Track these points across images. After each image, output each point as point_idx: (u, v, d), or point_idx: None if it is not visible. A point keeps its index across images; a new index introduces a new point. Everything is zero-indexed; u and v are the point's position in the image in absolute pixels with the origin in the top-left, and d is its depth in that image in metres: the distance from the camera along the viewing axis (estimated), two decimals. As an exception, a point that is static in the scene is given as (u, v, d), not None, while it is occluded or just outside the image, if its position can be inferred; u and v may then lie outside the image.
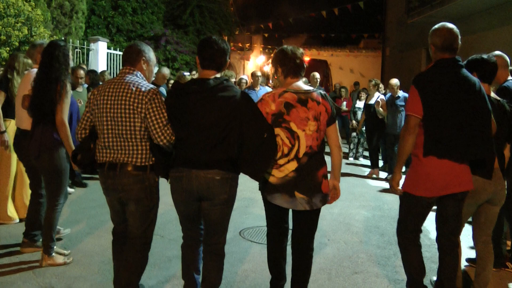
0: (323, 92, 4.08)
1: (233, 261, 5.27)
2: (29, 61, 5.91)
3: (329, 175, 4.12)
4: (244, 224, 6.75)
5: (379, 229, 6.85)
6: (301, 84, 4.04)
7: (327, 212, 7.77)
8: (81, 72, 8.75)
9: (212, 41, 3.85)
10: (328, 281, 5.10)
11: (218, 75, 3.87)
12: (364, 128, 12.37)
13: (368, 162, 12.45)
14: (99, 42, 13.67)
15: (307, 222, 4.13)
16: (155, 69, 4.20)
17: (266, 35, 35.14)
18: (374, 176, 11.09)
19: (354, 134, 13.54)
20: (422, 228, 4.35)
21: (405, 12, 19.10)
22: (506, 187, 4.53)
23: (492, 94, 4.53)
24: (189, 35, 18.98)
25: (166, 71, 10.36)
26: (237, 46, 33.74)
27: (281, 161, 3.92)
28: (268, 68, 42.93)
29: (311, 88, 4.07)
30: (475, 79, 4.08)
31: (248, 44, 37.24)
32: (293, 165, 3.90)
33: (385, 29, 26.58)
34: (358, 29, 28.57)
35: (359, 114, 12.80)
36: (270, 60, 43.99)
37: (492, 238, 4.86)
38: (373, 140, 11.16)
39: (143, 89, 3.78)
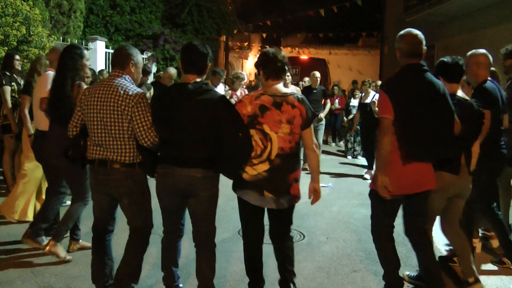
0: (300, 96, 4.23)
1: (232, 260, 5.28)
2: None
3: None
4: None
5: (377, 227, 6.83)
6: (280, 87, 4.20)
7: (326, 211, 7.80)
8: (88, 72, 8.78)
9: (193, 47, 4.12)
10: (327, 279, 5.12)
11: (198, 79, 4.10)
12: (359, 127, 12.36)
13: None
14: (98, 41, 13.66)
15: (280, 219, 4.37)
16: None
17: (264, 35, 35.10)
18: (367, 177, 10.76)
19: (349, 134, 13.56)
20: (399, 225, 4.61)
21: (404, 10, 19.11)
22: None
23: (460, 93, 4.76)
24: (188, 34, 18.94)
25: (172, 71, 10.34)
26: (235, 45, 33.70)
27: (254, 161, 4.10)
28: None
29: (289, 91, 4.23)
30: (439, 82, 4.35)
31: (246, 43, 37.20)
32: (265, 165, 4.08)
33: (383, 28, 26.57)
34: (357, 27, 28.51)
35: (354, 112, 12.78)
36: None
37: (499, 234, 5.47)
38: (369, 140, 11.10)
39: (130, 92, 4.03)
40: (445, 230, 4.96)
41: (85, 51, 5.33)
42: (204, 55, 4.11)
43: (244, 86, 10.99)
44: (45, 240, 5.45)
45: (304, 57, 26.94)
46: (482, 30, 14.14)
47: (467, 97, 4.78)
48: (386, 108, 4.16)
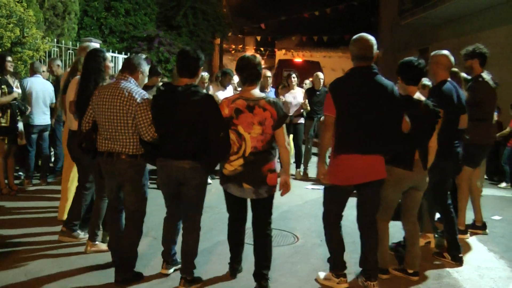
0: (272, 99, 4.63)
1: (225, 262, 5.26)
2: None
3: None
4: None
5: (372, 230, 6.84)
6: (256, 91, 4.66)
7: (320, 213, 7.66)
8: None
9: (186, 53, 4.75)
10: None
11: (190, 82, 4.69)
12: None
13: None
14: (92, 43, 13.60)
15: (261, 208, 4.81)
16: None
17: (258, 38, 35.13)
18: None
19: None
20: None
21: (398, 13, 19.18)
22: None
23: (417, 95, 5.00)
24: (183, 36, 18.95)
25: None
26: (230, 47, 33.73)
27: (232, 158, 4.63)
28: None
29: (262, 95, 4.67)
30: (388, 83, 4.67)
31: (241, 46, 37.23)
32: (240, 161, 4.60)
33: (378, 31, 26.64)
34: (351, 30, 28.61)
35: None
36: (262, 62, 44.19)
37: (447, 230, 5.80)
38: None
39: (134, 94, 4.70)
40: (403, 219, 5.34)
41: (107, 54, 5.80)
42: (196, 60, 4.71)
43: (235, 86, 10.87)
44: (81, 233, 6.01)
45: (298, 59, 26.92)
46: (476, 33, 14.19)
47: (422, 98, 5.03)
48: (329, 107, 4.66)
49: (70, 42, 12.80)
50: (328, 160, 4.89)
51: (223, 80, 10.27)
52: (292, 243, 6.30)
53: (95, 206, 5.74)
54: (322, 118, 10.49)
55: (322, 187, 9.61)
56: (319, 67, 24.67)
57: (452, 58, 5.64)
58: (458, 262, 5.70)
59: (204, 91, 5.86)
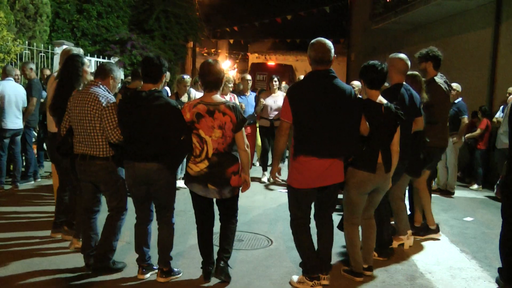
0: (231, 104, 4.84)
1: (200, 265, 5.26)
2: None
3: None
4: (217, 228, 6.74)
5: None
6: (216, 97, 4.87)
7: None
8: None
9: (149, 60, 4.93)
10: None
11: (154, 87, 4.86)
12: None
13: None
14: (64, 46, 13.47)
15: (226, 207, 5.10)
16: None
17: (231, 41, 35.14)
18: None
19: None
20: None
21: (370, 18, 19.34)
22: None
23: (379, 98, 5.08)
24: (155, 40, 18.86)
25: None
26: (203, 51, 33.68)
27: (197, 159, 4.83)
28: (234, 73, 42.98)
29: (222, 100, 4.87)
30: (346, 87, 4.80)
31: (214, 49, 37.21)
32: (205, 163, 4.81)
33: (350, 35, 26.85)
34: (323, 34, 28.73)
35: None
36: (235, 65, 44.20)
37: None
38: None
39: (100, 98, 4.93)
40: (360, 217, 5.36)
41: (85, 59, 6.03)
42: (159, 67, 4.90)
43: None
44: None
45: (271, 63, 27.02)
46: (446, 38, 14.39)
47: (384, 101, 5.08)
48: (285, 113, 4.79)
49: (42, 45, 12.69)
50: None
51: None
52: (266, 247, 6.32)
53: (74, 206, 5.98)
54: None
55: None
56: (292, 71, 24.87)
57: (408, 62, 5.74)
58: (385, 255, 5.94)
59: (186, 94, 6.38)
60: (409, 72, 6.00)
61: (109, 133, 4.88)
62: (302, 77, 13.90)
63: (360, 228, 5.40)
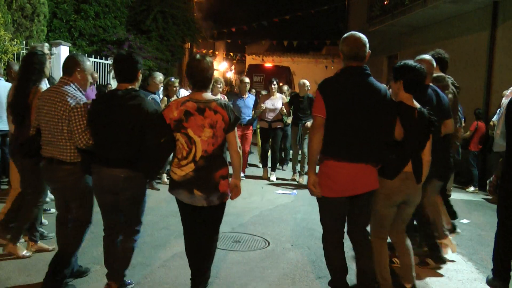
0: (223, 102, 4.43)
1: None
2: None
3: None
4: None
5: (341, 234, 6.90)
6: (206, 94, 4.43)
7: (290, 218, 7.85)
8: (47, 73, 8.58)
9: (121, 58, 4.61)
10: (292, 286, 5.15)
11: (131, 86, 4.52)
12: None
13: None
14: (61, 46, 13.44)
15: (211, 216, 4.56)
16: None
17: (228, 41, 35.15)
18: None
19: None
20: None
21: (367, 20, 19.37)
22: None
23: (413, 103, 4.62)
24: (152, 40, 18.86)
25: (159, 77, 10.02)
26: (200, 52, 33.65)
27: (182, 162, 4.34)
28: (231, 74, 43.00)
29: (213, 97, 4.43)
30: (381, 86, 4.39)
31: (211, 50, 37.19)
32: (191, 166, 4.32)
33: (347, 37, 26.81)
34: (321, 35, 28.81)
35: None
36: (233, 67, 44.18)
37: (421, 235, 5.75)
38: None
39: (68, 99, 4.50)
40: (390, 233, 4.94)
41: (44, 55, 5.64)
42: (133, 64, 4.52)
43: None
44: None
45: (268, 64, 27.03)
46: (443, 41, 14.43)
47: (417, 105, 4.65)
48: (318, 108, 4.34)
49: (39, 45, 12.66)
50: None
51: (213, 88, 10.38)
52: (263, 248, 6.32)
53: (25, 209, 5.53)
54: (307, 124, 10.74)
55: (292, 192, 9.78)
56: (289, 72, 24.86)
57: (433, 63, 5.52)
58: (442, 262, 5.76)
59: (175, 96, 5.89)
60: (434, 74, 5.76)
61: (76, 137, 4.45)
62: (286, 87, 14.03)
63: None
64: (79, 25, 16.43)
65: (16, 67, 7.25)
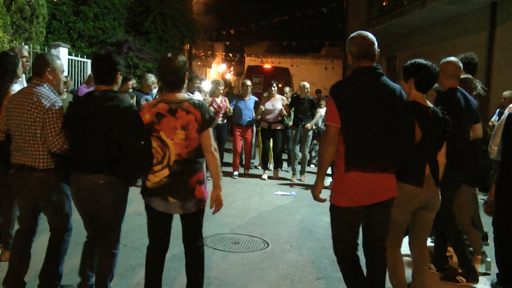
0: (196, 102, 4.20)
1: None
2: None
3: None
4: (206, 232, 6.73)
5: (340, 235, 6.90)
6: (179, 94, 4.20)
7: (289, 219, 7.85)
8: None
9: (99, 59, 4.30)
10: (291, 286, 5.16)
11: (109, 88, 4.24)
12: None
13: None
14: (60, 48, 13.46)
15: (190, 224, 4.33)
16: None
17: (227, 43, 35.15)
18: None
19: (315, 141, 13.57)
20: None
21: (366, 21, 19.39)
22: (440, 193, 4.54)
23: (424, 101, 4.45)
24: (151, 42, 18.87)
25: (151, 78, 10.10)
26: (199, 53, 33.66)
27: (156, 168, 4.12)
28: (230, 76, 43.00)
29: (186, 98, 4.21)
30: (395, 86, 4.10)
31: (210, 52, 37.18)
32: (165, 171, 4.09)
33: (346, 38, 26.84)
34: (320, 36, 28.81)
35: (320, 121, 12.85)
36: (231, 68, 44.15)
37: (456, 251, 5.28)
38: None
39: (42, 100, 4.22)
40: (410, 243, 4.70)
41: (17, 58, 5.37)
42: (112, 65, 4.25)
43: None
44: None
45: (267, 66, 27.02)
46: (442, 42, 14.46)
47: (430, 105, 4.48)
48: (331, 115, 3.96)
49: (38, 46, 12.68)
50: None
51: (189, 86, 10.35)
52: (262, 249, 6.32)
53: (4, 215, 5.36)
54: (307, 125, 10.86)
55: (291, 193, 9.79)
56: (288, 73, 24.86)
57: (460, 65, 5.28)
58: (475, 280, 5.34)
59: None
60: (461, 76, 5.50)
61: (50, 140, 4.17)
62: (288, 88, 14.08)
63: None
64: (78, 27, 16.45)
65: None
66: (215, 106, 10.52)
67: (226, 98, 11.00)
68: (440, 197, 4.51)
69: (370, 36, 4.15)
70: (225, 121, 11.12)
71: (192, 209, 4.19)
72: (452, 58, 5.35)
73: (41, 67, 4.43)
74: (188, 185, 4.13)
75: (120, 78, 4.37)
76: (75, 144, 4.19)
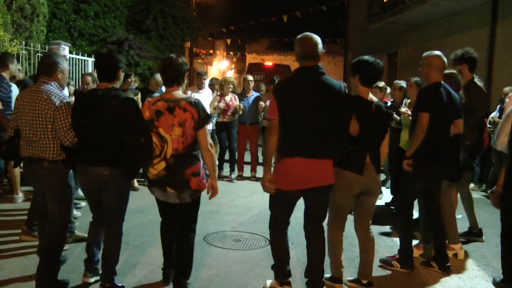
0: (193, 100, 4.49)
1: (197, 266, 5.27)
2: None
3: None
4: (208, 229, 6.76)
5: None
6: (176, 93, 4.53)
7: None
8: (88, 78, 8.54)
9: (101, 57, 4.72)
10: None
11: (111, 85, 4.56)
12: None
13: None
14: (61, 47, 13.46)
15: (185, 213, 4.69)
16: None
17: (228, 41, 35.12)
18: None
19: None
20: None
21: (367, 18, 19.37)
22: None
23: (370, 97, 4.81)
24: (152, 40, 18.85)
25: (159, 77, 10.14)
26: (200, 51, 33.68)
27: (155, 161, 4.48)
28: (231, 73, 42.99)
29: (183, 96, 4.52)
30: (336, 83, 4.50)
31: (211, 50, 37.19)
32: (162, 164, 4.45)
33: (347, 35, 26.87)
34: (320, 33, 28.76)
35: None
36: (233, 65, 44.17)
37: (435, 239, 5.60)
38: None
39: (52, 97, 4.50)
40: (356, 226, 5.10)
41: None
42: (114, 63, 4.58)
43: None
44: None
45: (268, 63, 27.01)
46: (444, 39, 14.43)
47: (374, 99, 4.86)
48: (273, 110, 4.47)
49: (39, 45, 12.67)
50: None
51: (198, 81, 10.54)
52: (263, 247, 6.30)
53: (33, 201, 5.85)
54: None
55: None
56: (289, 71, 24.83)
57: (445, 59, 5.38)
58: (445, 271, 5.55)
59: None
60: (446, 71, 5.62)
61: (62, 135, 4.47)
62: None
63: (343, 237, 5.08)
64: (78, 25, 16.44)
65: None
66: (223, 105, 10.42)
67: (236, 96, 10.80)
68: (380, 183, 5.08)
69: (315, 37, 4.53)
70: (235, 118, 10.84)
71: (187, 199, 4.53)
72: (438, 52, 5.47)
73: (52, 67, 4.71)
74: (184, 177, 4.45)
75: (122, 75, 4.73)
76: (83, 139, 4.50)
